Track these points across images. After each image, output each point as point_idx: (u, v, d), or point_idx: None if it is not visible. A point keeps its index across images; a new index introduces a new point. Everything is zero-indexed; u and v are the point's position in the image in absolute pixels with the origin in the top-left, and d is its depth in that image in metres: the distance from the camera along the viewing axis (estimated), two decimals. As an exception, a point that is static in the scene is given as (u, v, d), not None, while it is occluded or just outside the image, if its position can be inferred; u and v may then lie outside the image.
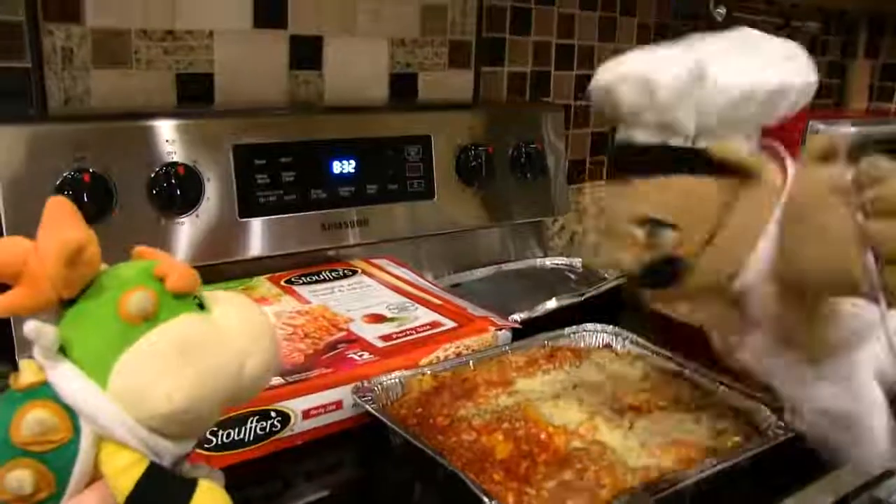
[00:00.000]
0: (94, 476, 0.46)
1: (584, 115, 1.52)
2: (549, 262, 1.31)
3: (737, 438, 0.70)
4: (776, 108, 0.59)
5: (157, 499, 0.46)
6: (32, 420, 0.44)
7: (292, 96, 1.16)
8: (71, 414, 0.45)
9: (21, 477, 0.44)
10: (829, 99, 2.14)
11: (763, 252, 0.60)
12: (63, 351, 0.46)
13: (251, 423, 0.70)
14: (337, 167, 1.07)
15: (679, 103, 0.57)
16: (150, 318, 0.46)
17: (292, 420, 0.72)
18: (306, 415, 0.73)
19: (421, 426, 0.71)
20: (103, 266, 0.49)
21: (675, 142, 0.59)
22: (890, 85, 2.14)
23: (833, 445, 0.68)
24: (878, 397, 0.65)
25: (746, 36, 0.61)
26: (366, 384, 0.75)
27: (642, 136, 0.61)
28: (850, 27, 2.09)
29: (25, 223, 0.82)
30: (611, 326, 0.92)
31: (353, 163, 1.08)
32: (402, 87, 1.27)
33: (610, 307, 1.07)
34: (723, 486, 0.65)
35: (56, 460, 0.45)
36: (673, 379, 0.81)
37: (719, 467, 0.64)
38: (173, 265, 0.49)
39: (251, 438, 0.70)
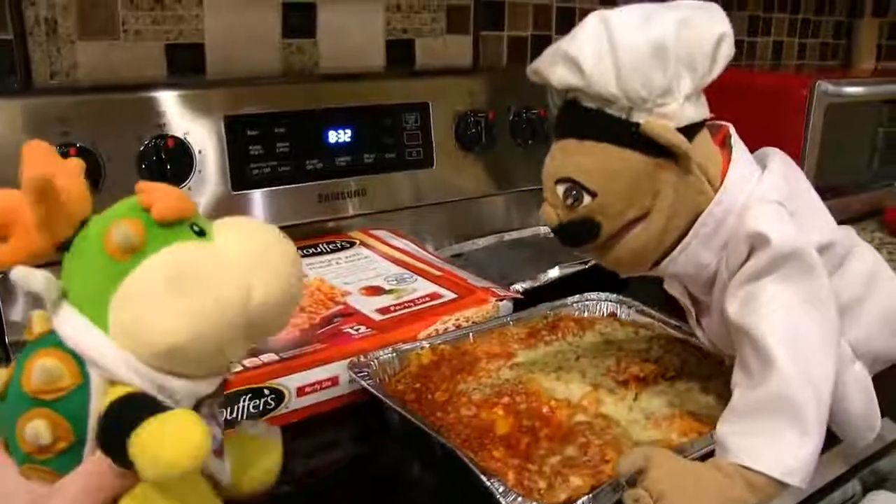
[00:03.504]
0: None
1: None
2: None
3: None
4: (694, 63, 0.57)
5: (122, 414, 0.43)
6: (38, 369, 0.44)
7: (286, 65, 1.13)
8: (78, 360, 0.45)
9: (37, 426, 0.44)
10: (836, 59, 2.11)
11: (687, 250, 0.61)
12: (66, 297, 0.46)
13: (244, 401, 0.68)
14: (333, 137, 1.04)
15: (602, 72, 0.57)
16: (137, 251, 0.44)
17: (286, 397, 0.71)
18: (301, 392, 0.71)
19: (419, 402, 0.70)
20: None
21: (613, 111, 0.58)
22: (899, 43, 2.11)
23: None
24: (857, 377, 0.64)
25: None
26: (362, 359, 0.73)
27: (583, 100, 0.60)
28: (858, -15, 2.05)
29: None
30: (615, 295, 0.90)
31: (349, 132, 1.05)
32: (399, 54, 1.24)
33: (615, 275, 1.05)
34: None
35: (69, 408, 0.45)
36: (680, 348, 0.78)
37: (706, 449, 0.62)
38: (159, 192, 0.46)
39: (244, 417, 0.68)
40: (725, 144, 0.64)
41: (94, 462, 0.46)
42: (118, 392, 0.44)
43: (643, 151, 0.58)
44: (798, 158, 1.31)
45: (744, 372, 0.59)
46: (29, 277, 0.44)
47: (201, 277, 0.45)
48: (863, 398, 0.64)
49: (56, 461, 0.46)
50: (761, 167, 0.63)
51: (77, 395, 0.45)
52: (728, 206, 0.60)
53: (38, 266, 0.46)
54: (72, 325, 0.45)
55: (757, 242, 0.58)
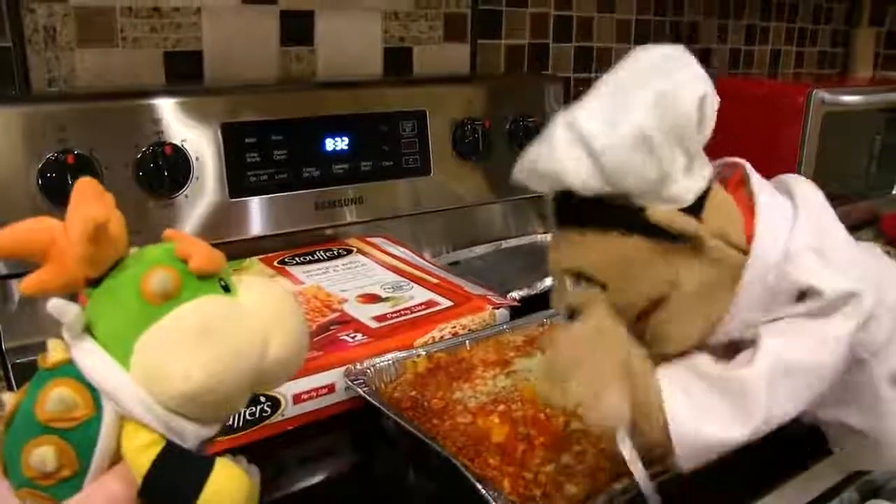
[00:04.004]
0: (118, 457, 0.47)
1: (584, 88, 1.49)
2: (549, 237, 1.29)
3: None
4: (682, 137, 0.53)
5: (174, 477, 0.47)
6: (55, 397, 0.46)
7: (284, 72, 1.13)
8: (93, 392, 0.46)
9: (44, 453, 0.45)
10: (833, 68, 2.11)
11: (737, 319, 0.57)
12: (89, 330, 0.47)
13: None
14: (330, 144, 1.04)
15: (584, 182, 0.53)
16: (171, 298, 0.47)
17: (283, 405, 0.71)
18: (297, 399, 0.71)
19: (415, 410, 0.70)
20: (133, 249, 0.50)
21: (616, 199, 0.54)
22: (896, 52, 2.11)
23: (839, 446, 0.66)
24: (893, 412, 0.63)
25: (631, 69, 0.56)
26: (358, 367, 0.73)
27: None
28: (855, -6, 2.05)
29: (7, 207, 0.82)
30: (611, 304, 0.90)
31: (346, 139, 1.06)
32: (397, 62, 1.24)
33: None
34: (727, 465, 0.63)
35: (78, 438, 0.46)
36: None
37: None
38: (196, 246, 0.49)
39: (241, 424, 0.68)
40: (743, 186, 0.60)
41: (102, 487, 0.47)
42: (140, 435, 0.47)
43: (651, 237, 0.54)
44: (795, 167, 1.31)
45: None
46: (63, 310, 0.46)
47: (225, 331, 0.47)
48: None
49: (56, 488, 0.47)
50: (787, 197, 0.60)
51: (88, 426, 0.46)
52: (765, 260, 0.56)
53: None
54: (93, 359, 0.47)
55: (807, 293, 0.55)
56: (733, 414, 0.54)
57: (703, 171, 0.56)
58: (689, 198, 0.54)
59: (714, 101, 0.54)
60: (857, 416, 0.63)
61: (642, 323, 0.58)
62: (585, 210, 0.55)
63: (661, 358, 0.57)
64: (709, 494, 0.62)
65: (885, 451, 0.63)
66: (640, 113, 0.51)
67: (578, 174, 0.52)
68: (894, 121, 1.56)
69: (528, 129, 1.20)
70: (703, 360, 0.57)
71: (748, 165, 0.61)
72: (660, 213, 0.53)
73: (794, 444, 0.67)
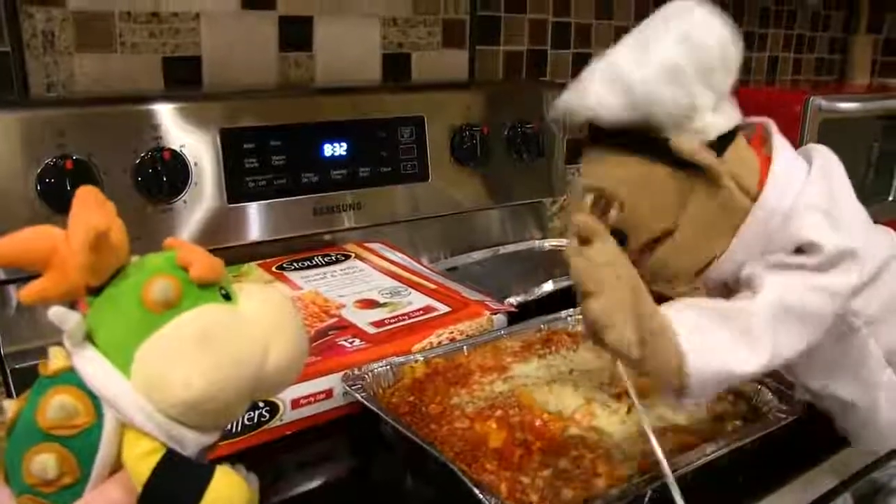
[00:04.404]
0: (118, 465, 0.47)
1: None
2: (547, 243, 1.29)
3: (737, 422, 0.69)
4: (708, 74, 0.57)
5: (174, 485, 0.47)
6: (56, 405, 0.46)
7: (283, 78, 1.13)
8: (94, 400, 0.47)
9: (45, 460, 0.46)
10: (831, 75, 2.12)
11: (733, 258, 0.61)
12: (90, 338, 0.48)
13: (238, 413, 0.68)
14: (329, 150, 1.04)
15: (617, 114, 0.57)
16: (172, 307, 0.47)
17: (281, 410, 0.71)
18: (295, 404, 0.71)
19: (413, 415, 0.70)
20: (134, 258, 0.50)
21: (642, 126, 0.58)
22: (894, 60, 2.12)
23: (839, 426, 0.66)
24: (888, 383, 0.64)
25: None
26: (356, 372, 0.74)
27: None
28: (853, 1, 2.06)
29: (6, 213, 0.82)
30: (609, 309, 0.90)
31: (345, 145, 1.06)
32: (395, 68, 1.24)
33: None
34: (722, 471, 0.63)
35: (79, 445, 0.46)
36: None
37: (718, 453, 0.62)
38: (197, 255, 0.49)
39: (239, 429, 0.68)
40: (764, 144, 0.63)
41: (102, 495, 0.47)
42: (141, 443, 0.47)
43: (673, 166, 0.58)
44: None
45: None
46: (64, 318, 0.46)
47: (225, 339, 0.48)
48: (892, 406, 0.64)
49: (57, 496, 0.47)
50: (806, 162, 0.63)
51: (89, 434, 0.47)
52: (771, 210, 0.59)
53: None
54: (94, 366, 0.47)
55: (806, 248, 0.58)
56: (744, 345, 0.56)
57: (731, 113, 0.60)
58: (713, 134, 0.58)
59: (737, 49, 0.59)
60: (849, 387, 0.64)
61: (644, 257, 0.61)
62: (614, 136, 0.59)
63: (657, 296, 0.59)
64: (709, 496, 0.62)
65: (875, 426, 0.64)
66: (668, 48, 0.56)
67: (612, 107, 0.57)
68: (891, 128, 1.57)
69: (527, 136, 1.21)
70: (703, 300, 0.60)
71: (773, 124, 0.64)
72: (684, 142, 0.57)
73: (794, 446, 0.67)
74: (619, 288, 0.55)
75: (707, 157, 0.57)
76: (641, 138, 0.58)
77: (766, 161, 0.61)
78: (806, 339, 0.58)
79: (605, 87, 0.57)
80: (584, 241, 0.57)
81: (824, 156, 0.64)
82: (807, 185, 0.60)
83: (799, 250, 0.58)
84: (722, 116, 0.59)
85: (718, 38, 0.57)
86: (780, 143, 0.63)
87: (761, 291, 0.57)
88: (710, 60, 0.57)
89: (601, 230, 0.57)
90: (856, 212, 0.64)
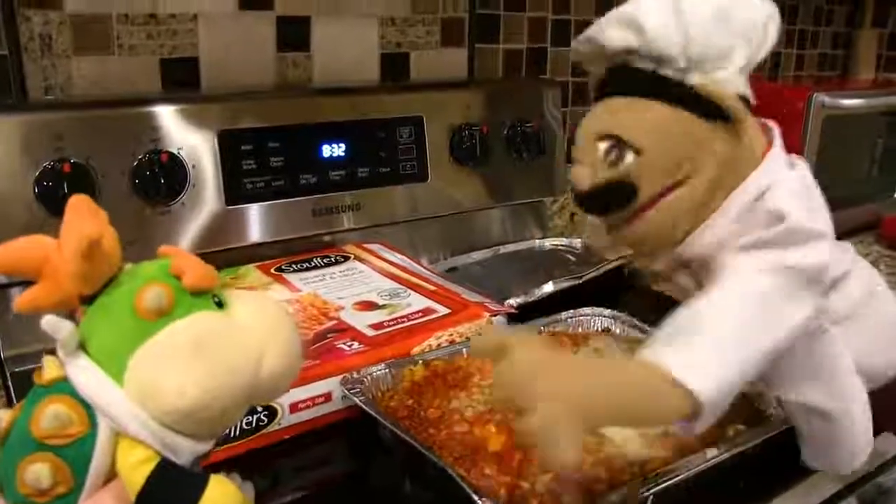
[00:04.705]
0: (112, 473, 0.47)
1: (583, 93, 1.49)
2: (548, 242, 1.29)
3: (738, 426, 0.68)
4: (749, 34, 0.58)
5: (168, 494, 0.47)
6: (50, 414, 0.46)
7: (281, 79, 1.13)
8: (88, 409, 0.47)
9: (39, 470, 0.46)
10: (835, 70, 2.11)
11: (714, 227, 0.59)
12: (83, 346, 0.48)
13: (236, 418, 0.68)
14: (327, 151, 1.04)
15: (663, 32, 0.57)
16: (165, 314, 0.47)
17: (279, 414, 0.70)
18: (293, 408, 0.71)
19: (411, 418, 0.69)
20: (128, 266, 0.50)
21: (667, 72, 0.58)
22: (898, 54, 2.11)
23: (810, 442, 0.65)
24: (858, 394, 0.63)
25: None
26: (354, 375, 0.73)
27: (634, 62, 0.60)
28: (857, -5, 2.05)
29: (3, 217, 0.81)
30: (609, 310, 0.90)
31: (343, 146, 1.05)
32: (394, 67, 1.23)
33: (610, 288, 1.05)
34: (724, 476, 0.63)
35: (73, 455, 0.46)
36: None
37: (719, 458, 0.62)
38: (190, 263, 0.49)
39: (237, 434, 0.68)
40: (766, 135, 0.63)
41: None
42: (135, 451, 0.47)
43: (696, 113, 0.57)
44: (794, 171, 1.31)
45: None
46: (57, 326, 0.46)
47: (218, 347, 0.48)
48: (861, 412, 0.63)
49: None
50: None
51: (83, 443, 0.47)
52: (758, 188, 0.59)
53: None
54: (87, 375, 0.47)
55: (774, 218, 0.57)
56: (731, 345, 0.54)
57: (749, 89, 0.60)
58: (736, 90, 0.58)
59: (776, 31, 0.59)
60: (822, 396, 0.62)
61: (643, 211, 0.59)
62: (638, 79, 0.58)
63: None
64: (710, 501, 0.62)
65: (850, 439, 0.63)
66: None
67: (654, 19, 0.56)
68: None
69: (527, 134, 1.20)
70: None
71: (775, 126, 0.64)
72: (713, 87, 0.57)
73: (797, 450, 0.66)
74: (555, 393, 0.49)
75: (735, 102, 0.57)
76: (663, 84, 0.57)
77: (769, 146, 0.61)
78: (784, 326, 0.55)
79: (659, 14, 0.57)
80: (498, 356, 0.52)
81: (806, 167, 0.64)
82: (790, 174, 0.60)
83: (768, 223, 0.57)
84: (745, 82, 0.59)
85: (769, 11, 0.59)
86: (779, 141, 0.63)
87: (730, 279, 0.56)
88: (756, 23, 0.58)
89: (514, 341, 0.53)
90: (827, 219, 0.63)
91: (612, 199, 0.59)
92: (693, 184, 0.58)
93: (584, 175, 0.60)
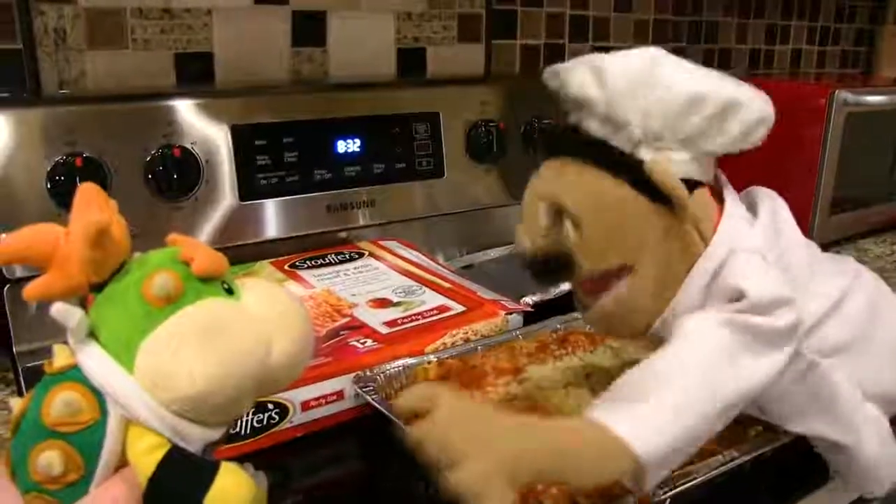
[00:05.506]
0: (123, 461, 0.47)
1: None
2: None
3: (759, 427, 0.66)
4: (725, 127, 0.55)
5: (179, 480, 0.47)
6: (60, 401, 0.46)
7: (296, 74, 1.12)
8: (98, 396, 0.46)
9: (50, 457, 0.45)
10: (857, 68, 2.08)
11: (676, 309, 0.57)
12: (93, 334, 0.47)
13: (248, 415, 0.67)
14: (342, 146, 1.03)
15: (626, 94, 0.54)
16: (173, 301, 0.47)
17: (291, 412, 0.69)
18: (305, 406, 0.70)
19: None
20: (136, 254, 0.50)
21: (618, 143, 0.55)
22: (922, 51, 2.08)
23: (834, 468, 0.64)
24: (870, 419, 0.61)
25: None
26: (368, 373, 0.72)
27: (588, 126, 0.57)
28: (879, -9, 2.02)
29: (16, 211, 0.81)
30: (626, 309, 0.88)
31: (358, 142, 1.04)
32: (410, 63, 1.23)
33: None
34: (743, 479, 0.62)
35: (84, 442, 0.46)
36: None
37: (739, 460, 0.60)
38: (199, 249, 0.49)
39: (248, 431, 0.67)
40: (717, 194, 0.61)
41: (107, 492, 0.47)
42: (145, 439, 0.46)
43: (640, 191, 0.54)
44: (816, 169, 1.29)
45: None
46: (67, 314, 0.46)
47: (228, 332, 0.47)
48: (876, 441, 0.61)
49: (62, 493, 0.47)
50: (751, 212, 0.61)
51: (93, 430, 0.46)
52: (717, 260, 0.56)
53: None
54: (98, 363, 0.46)
55: (735, 294, 0.54)
56: (686, 405, 0.51)
57: (708, 171, 0.58)
58: (686, 175, 0.55)
59: (765, 134, 0.56)
60: (828, 427, 0.60)
61: (598, 293, 0.58)
62: (588, 145, 0.56)
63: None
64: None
65: (864, 464, 0.61)
66: (716, 85, 0.54)
67: (621, 79, 0.54)
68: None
69: (544, 131, 1.19)
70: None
71: (722, 175, 0.61)
72: (663, 168, 0.54)
73: (818, 454, 0.65)
74: (486, 447, 0.46)
75: (680, 189, 0.54)
76: (612, 154, 0.55)
77: (720, 212, 0.59)
78: (751, 380, 0.53)
79: (633, 66, 0.55)
80: (422, 414, 0.50)
81: (770, 197, 0.62)
82: (750, 230, 0.59)
83: (731, 300, 0.55)
84: (702, 168, 0.57)
85: (763, 114, 0.56)
86: (731, 195, 0.60)
87: (691, 335, 0.53)
88: (742, 122, 0.55)
89: (437, 393, 0.50)
90: (802, 252, 0.62)
91: (550, 268, 0.58)
92: (641, 267, 0.56)
93: (525, 241, 0.58)
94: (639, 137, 0.54)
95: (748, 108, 0.55)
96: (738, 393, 0.52)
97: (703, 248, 0.57)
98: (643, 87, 0.54)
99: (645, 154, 0.55)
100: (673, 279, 0.57)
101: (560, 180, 0.57)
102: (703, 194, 0.58)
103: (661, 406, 0.50)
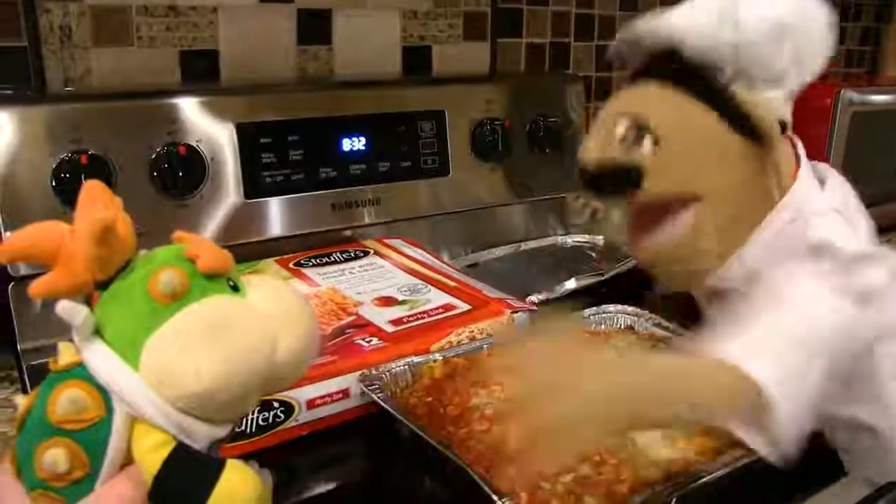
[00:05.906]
0: (129, 458, 0.47)
1: (606, 87, 1.47)
2: (570, 239, 1.27)
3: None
4: (803, 56, 0.55)
5: (184, 478, 0.47)
6: (65, 399, 0.46)
7: (301, 72, 1.12)
8: (104, 393, 0.46)
9: (56, 455, 0.45)
10: (862, 67, 2.07)
11: (742, 260, 0.56)
12: (99, 332, 0.47)
13: (253, 413, 0.67)
14: (347, 144, 1.03)
15: (721, 38, 0.54)
16: (179, 299, 0.47)
17: (296, 410, 0.69)
18: (311, 404, 0.70)
19: (431, 416, 0.68)
20: (142, 252, 0.50)
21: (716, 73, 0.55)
22: (929, 50, 2.07)
23: (856, 455, 0.63)
24: None
25: None
26: (373, 372, 0.72)
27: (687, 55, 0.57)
28: (886, -11, 2.01)
29: (21, 208, 0.81)
30: (632, 308, 0.88)
31: (364, 140, 1.04)
32: (416, 61, 1.23)
33: (634, 286, 1.03)
34: (752, 478, 0.61)
35: (89, 439, 0.46)
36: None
37: (747, 459, 0.60)
38: (204, 246, 0.49)
39: (253, 430, 0.67)
40: (795, 155, 0.61)
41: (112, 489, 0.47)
42: (151, 436, 0.46)
43: (730, 123, 0.54)
44: (822, 168, 1.29)
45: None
46: (72, 312, 0.46)
47: (233, 330, 0.47)
48: None
49: (68, 490, 0.47)
50: (819, 181, 0.61)
51: (99, 428, 0.46)
52: (795, 211, 0.56)
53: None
54: (103, 360, 0.46)
55: (822, 251, 0.54)
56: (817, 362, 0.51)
57: (790, 115, 0.57)
58: (777, 116, 0.55)
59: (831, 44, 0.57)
60: (870, 410, 0.60)
61: (654, 222, 0.57)
62: (685, 69, 0.55)
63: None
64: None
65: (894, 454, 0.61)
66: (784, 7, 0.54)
67: (713, 22, 0.53)
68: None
69: (549, 130, 1.19)
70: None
71: (800, 142, 0.61)
72: (757, 103, 0.54)
73: (826, 452, 0.65)
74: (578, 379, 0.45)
75: (772, 125, 0.54)
76: (707, 82, 0.54)
77: (797, 169, 0.59)
78: (853, 343, 0.54)
79: (720, 6, 0.54)
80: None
81: (837, 174, 0.62)
82: (827, 191, 0.58)
83: (814, 255, 0.54)
84: (788, 108, 0.56)
85: (826, 21, 0.56)
86: (805, 160, 0.60)
87: (788, 301, 0.53)
88: (812, 42, 0.55)
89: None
90: (865, 224, 0.61)
91: (616, 180, 0.56)
92: (712, 202, 0.55)
93: (594, 148, 0.57)
94: (731, 74, 0.54)
95: (819, 26, 0.56)
96: (841, 356, 0.52)
97: (778, 198, 0.56)
98: (733, 29, 0.53)
99: (737, 89, 0.54)
100: (746, 223, 0.56)
101: (644, 99, 0.56)
102: (787, 147, 0.57)
103: (778, 338, 0.50)
